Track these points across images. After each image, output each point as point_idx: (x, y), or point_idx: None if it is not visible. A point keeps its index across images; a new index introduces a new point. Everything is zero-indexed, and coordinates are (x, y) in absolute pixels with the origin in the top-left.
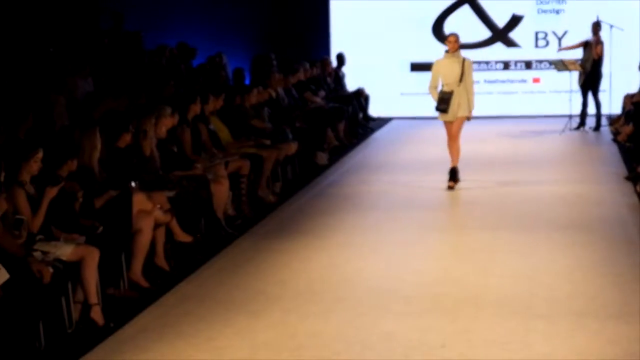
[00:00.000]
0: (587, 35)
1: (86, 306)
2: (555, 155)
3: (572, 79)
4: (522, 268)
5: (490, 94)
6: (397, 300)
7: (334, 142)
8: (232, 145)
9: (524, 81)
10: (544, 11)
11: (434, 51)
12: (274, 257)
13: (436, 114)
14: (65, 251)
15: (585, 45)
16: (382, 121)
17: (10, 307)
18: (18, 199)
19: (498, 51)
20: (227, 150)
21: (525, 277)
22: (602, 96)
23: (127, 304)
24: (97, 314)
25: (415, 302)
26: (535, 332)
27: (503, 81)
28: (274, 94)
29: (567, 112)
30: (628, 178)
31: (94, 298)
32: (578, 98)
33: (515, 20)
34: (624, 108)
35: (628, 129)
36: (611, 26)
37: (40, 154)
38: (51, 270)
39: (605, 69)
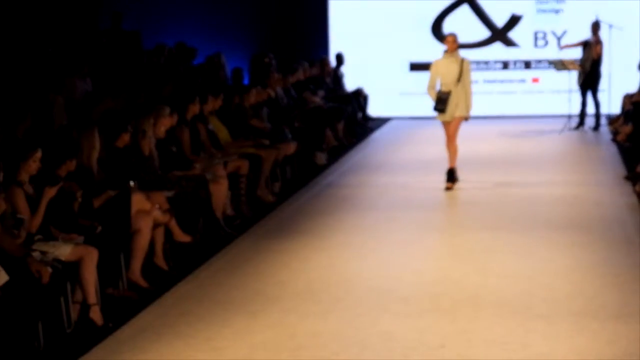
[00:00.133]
0: (587, 35)
1: (85, 306)
2: (554, 155)
3: (571, 78)
4: (521, 268)
5: (490, 93)
6: (396, 301)
7: (333, 142)
8: (231, 145)
9: (523, 81)
10: (543, 11)
11: (433, 51)
12: (272, 257)
13: (435, 114)
14: (64, 251)
15: (585, 45)
16: (381, 121)
17: (9, 307)
18: (17, 199)
19: (497, 51)
20: (226, 150)
21: (524, 277)
22: (601, 96)
23: (126, 304)
24: (96, 314)
25: (414, 302)
26: (534, 333)
27: (502, 81)
28: (272, 94)
29: (566, 112)
30: (627, 178)
31: (92, 298)
32: (577, 98)
33: (514, 20)
34: (623, 108)
35: (627, 128)
36: (610, 26)
37: (38, 154)
38: (50, 270)
39: (605, 68)
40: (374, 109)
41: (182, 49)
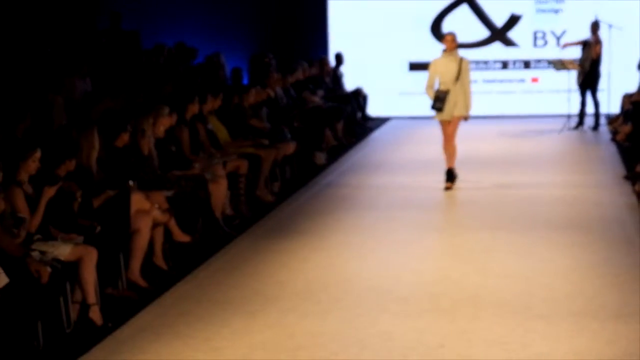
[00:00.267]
0: (586, 34)
1: (84, 306)
2: (553, 155)
3: (570, 78)
4: (521, 268)
5: (489, 93)
6: (395, 301)
7: (332, 141)
8: (231, 145)
9: (522, 80)
10: (543, 11)
11: (433, 50)
12: (271, 257)
13: (433, 113)
14: (63, 251)
15: (584, 44)
16: (381, 121)
17: (8, 307)
18: (16, 199)
19: (496, 51)
20: (225, 150)
21: (523, 277)
22: (600, 95)
23: (126, 303)
24: (95, 314)
25: (414, 302)
26: (534, 333)
27: (501, 81)
28: (272, 94)
29: (565, 112)
30: (627, 177)
31: (92, 298)
32: (576, 97)
33: (513, 20)
34: (622, 107)
35: (627, 128)
36: (610, 26)
37: (38, 154)
38: (49, 270)
39: (604, 68)
40: (373, 109)
41: (183, 49)
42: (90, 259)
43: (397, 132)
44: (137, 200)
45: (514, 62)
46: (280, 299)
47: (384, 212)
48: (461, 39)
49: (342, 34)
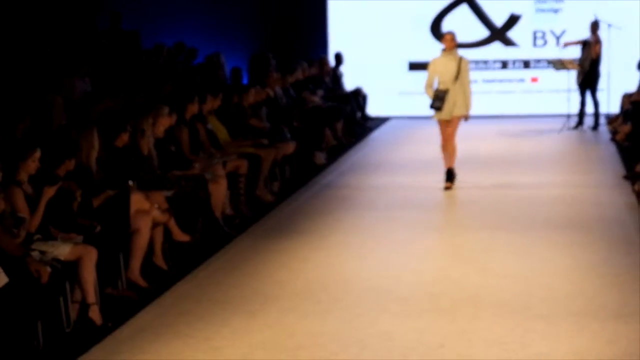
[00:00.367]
0: (586, 34)
1: (84, 306)
2: (553, 155)
3: (570, 78)
4: (521, 268)
5: (489, 93)
6: (395, 301)
7: (332, 141)
8: (230, 145)
9: (522, 80)
10: (542, 10)
11: (432, 50)
12: (271, 256)
13: (432, 112)
14: (63, 251)
15: (584, 44)
16: (380, 120)
17: (8, 307)
18: (16, 199)
19: (496, 50)
20: (225, 150)
21: (523, 277)
22: (600, 95)
23: (125, 303)
24: (95, 314)
25: (414, 302)
26: (533, 333)
27: (501, 80)
28: (272, 94)
29: (565, 112)
30: (626, 177)
31: (92, 298)
32: (576, 97)
33: (513, 20)
34: (622, 107)
35: (626, 128)
36: (609, 25)
37: (37, 154)
38: (49, 269)
39: (604, 68)
40: (373, 109)
41: (184, 50)
42: (90, 258)
43: (397, 132)
44: (137, 200)
45: (514, 61)
46: (280, 299)
47: (384, 212)
48: (461, 38)
49: (342, 33)
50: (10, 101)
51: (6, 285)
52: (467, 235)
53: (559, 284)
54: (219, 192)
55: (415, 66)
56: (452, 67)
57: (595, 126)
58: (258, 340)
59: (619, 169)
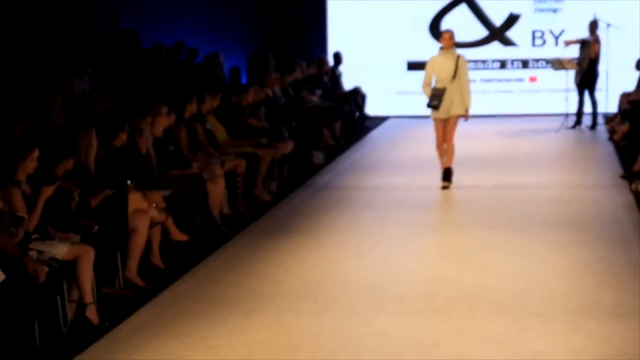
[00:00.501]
0: (585, 34)
1: (81, 305)
2: (551, 154)
3: (568, 77)
4: (518, 267)
5: (487, 92)
6: (391, 300)
7: (330, 141)
8: (229, 145)
9: (520, 80)
10: (541, 10)
11: (431, 50)
12: (269, 256)
13: (429, 111)
14: (60, 250)
15: (583, 43)
16: (379, 120)
17: (5, 306)
18: (14, 198)
19: (495, 50)
20: (223, 150)
21: (520, 276)
22: (598, 95)
23: (122, 303)
24: (92, 313)
25: (410, 301)
26: (530, 331)
27: (500, 80)
28: (270, 93)
29: (563, 111)
30: (624, 177)
31: (89, 297)
32: (574, 97)
33: (512, 19)
34: (620, 107)
35: (624, 127)
36: (608, 25)
37: (36, 153)
38: (46, 269)
39: (602, 67)
40: (371, 108)
41: (183, 50)
42: (88, 258)
43: (395, 132)
44: (135, 200)
45: (513, 61)
46: (277, 298)
47: (381, 212)
48: (460, 38)
49: (341, 33)
50: (9, 101)
51: (3, 284)
52: (464, 235)
53: (556, 283)
54: (217, 192)
55: (413, 66)
56: (449, 65)
57: (593, 126)
58: (255, 339)
59: (616, 168)
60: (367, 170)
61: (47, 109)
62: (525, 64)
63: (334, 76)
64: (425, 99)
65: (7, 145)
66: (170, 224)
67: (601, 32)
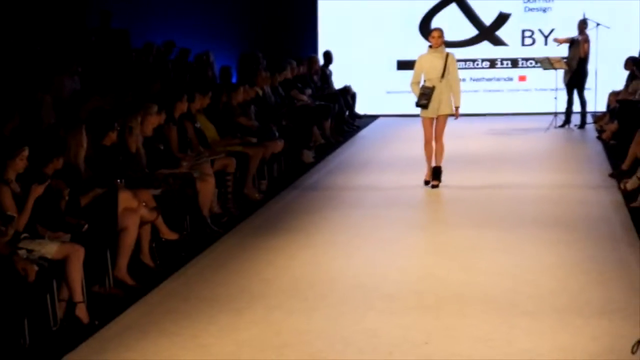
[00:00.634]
0: (574, 33)
1: (71, 304)
2: (540, 153)
3: (557, 77)
4: (507, 265)
5: (476, 91)
6: (380, 298)
7: (320, 140)
8: (219, 143)
9: (510, 79)
10: (531, 9)
11: (421, 49)
12: (258, 254)
13: (418, 110)
14: (50, 249)
15: (572, 43)
16: (369, 119)
17: None
18: (3, 197)
19: (484, 49)
20: (213, 148)
21: (509, 274)
22: (587, 94)
23: (112, 301)
24: (82, 312)
25: (399, 300)
26: (519, 329)
27: (489, 79)
28: (260, 92)
29: (552, 110)
30: (612, 175)
31: (79, 296)
32: (563, 96)
33: (502, 19)
34: (608, 106)
35: (613, 126)
36: (597, 24)
37: (26, 152)
38: (36, 268)
39: (591, 66)
40: (361, 107)
41: (173, 49)
42: (77, 257)
43: (385, 131)
44: (125, 199)
45: (502, 60)
46: (267, 297)
47: (371, 210)
48: (450, 37)
49: (331, 32)
50: None
51: None
52: (453, 233)
53: (545, 281)
54: (207, 191)
55: (403, 65)
56: (438, 64)
57: (582, 125)
58: (244, 337)
59: (605, 167)
60: (356, 169)
61: (37, 107)
62: (514, 63)
63: (324, 75)
64: (414, 98)
65: None
66: (160, 222)
67: (590, 32)
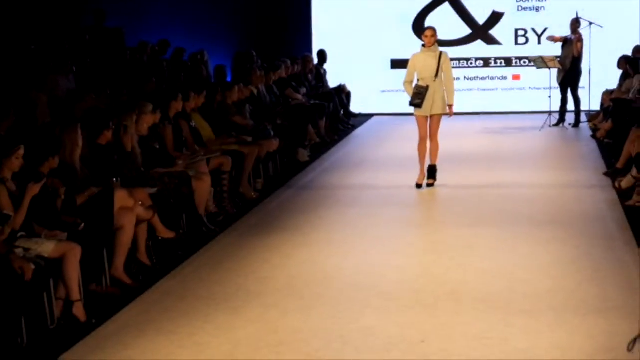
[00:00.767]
0: (567, 32)
1: (68, 303)
2: (535, 152)
3: (551, 76)
4: (502, 264)
5: (470, 90)
6: (376, 296)
7: (315, 138)
8: (214, 142)
9: (504, 78)
10: (524, 8)
11: (415, 48)
12: (255, 253)
13: (412, 109)
14: (47, 248)
15: (565, 42)
16: (363, 118)
17: None
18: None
19: (478, 48)
20: (208, 147)
21: (505, 272)
22: (581, 93)
23: (109, 300)
24: (79, 311)
25: (395, 298)
26: (515, 328)
27: (483, 78)
28: (255, 91)
29: (546, 109)
30: (607, 174)
31: (76, 294)
32: (557, 95)
33: (495, 18)
34: (602, 104)
35: (607, 125)
36: (590, 23)
37: (21, 151)
38: (33, 267)
39: (585, 65)
40: (355, 106)
41: (168, 47)
42: (74, 255)
43: (380, 129)
44: (121, 198)
45: (496, 59)
46: (263, 295)
47: (366, 209)
48: (443, 36)
49: (326, 31)
50: None
51: None
52: (449, 232)
53: (540, 280)
54: (203, 189)
55: (397, 64)
56: (432, 63)
57: (576, 123)
58: (241, 336)
59: (599, 165)
60: (352, 167)
61: (32, 106)
62: (508, 62)
63: (319, 74)
64: (408, 97)
65: None
66: (156, 221)
67: (583, 31)
